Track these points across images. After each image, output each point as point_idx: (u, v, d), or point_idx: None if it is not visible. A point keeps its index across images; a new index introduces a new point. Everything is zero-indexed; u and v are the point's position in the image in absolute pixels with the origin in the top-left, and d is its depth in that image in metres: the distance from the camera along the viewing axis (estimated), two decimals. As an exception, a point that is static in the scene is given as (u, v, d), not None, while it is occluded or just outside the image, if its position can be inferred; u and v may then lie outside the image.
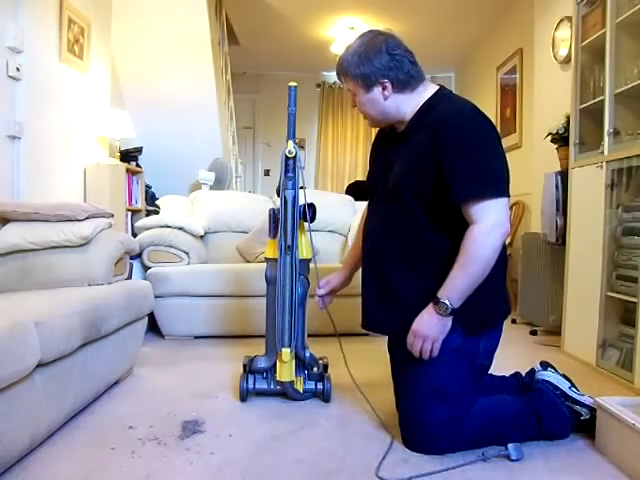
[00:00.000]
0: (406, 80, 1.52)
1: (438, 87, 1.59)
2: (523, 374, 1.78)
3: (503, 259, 1.56)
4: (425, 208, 1.48)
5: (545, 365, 1.73)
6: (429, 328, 1.43)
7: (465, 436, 1.47)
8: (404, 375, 1.57)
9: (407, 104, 1.55)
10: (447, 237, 1.47)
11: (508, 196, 1.44)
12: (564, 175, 2.79)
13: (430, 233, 1.48)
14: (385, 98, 1.53)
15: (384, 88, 1.52)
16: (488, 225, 1.38)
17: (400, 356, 1.58)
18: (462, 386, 1.49)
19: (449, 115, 1.48)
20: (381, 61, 1.49)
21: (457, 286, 1.40)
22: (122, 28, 3.87)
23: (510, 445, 1.44)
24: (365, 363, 2.40)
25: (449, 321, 1.43)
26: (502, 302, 1.60)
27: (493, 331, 1.57)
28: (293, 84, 1.81)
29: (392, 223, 1.55)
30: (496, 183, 1.42)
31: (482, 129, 1.47)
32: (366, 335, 2.95)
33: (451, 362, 1.48)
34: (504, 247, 1.52)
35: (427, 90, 1.57)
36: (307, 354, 1.88)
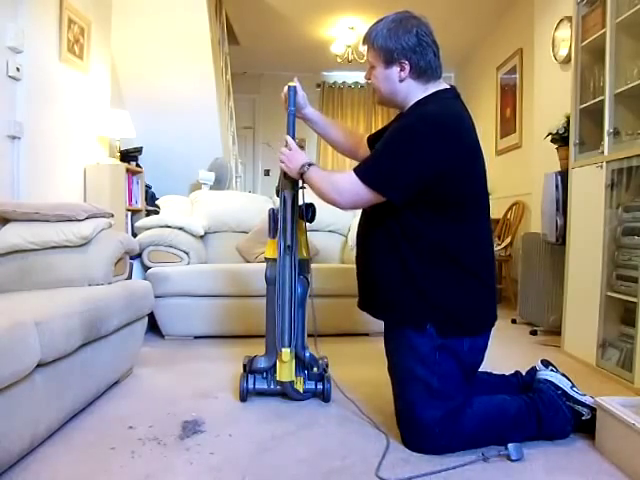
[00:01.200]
0: (425, 69, 1.53)
1: (447, 87, 1.59)
2: (523, 373, 1.79)
3: (482, 270, 1.56)
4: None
5: (546, 364, 1.73)
6: (295, 157, 1.70)
7: (464, 435, 1.48)
8: (396, 375, 1.59)
9: (415, 94, 1.56)
10: (427, 225, 1.50)
11: (376, 188, 1.48)
12: (564, 175, 2.79)
13: (410, 222, 1.51)
14: (401, 80, 1.55)
15: (402, 69, 1.53)
16: (340, 185, 1.56)
17: (392, 357, 1.61)
18: (451, 383, 1.50)
19: (415, 115, 1.52)
20: (408, 41, 1.50)
21: (316, 172, 1.65)
22: (122, 28, 3.87)
23: (510, 445, 1.44)
24: (365, 363, 2.40)
25: (297, 177, 1.71)
26: (479, 313, 1.57)
27: (476, 334, 1.56)
28: (292, 84, 1.81)
29: (378, 211, 1.57)
30: (374, 172, 1.50)
31: (415, 133, 1.46)
32: (366, 335, 2.96)
33: (435, 359, 1.49)
34: (477, 263, 1.54)
35: (436, 88, 1.57)
36: (307, 354, 1.88)
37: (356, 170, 1.52)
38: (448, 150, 1.46)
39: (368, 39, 1.58)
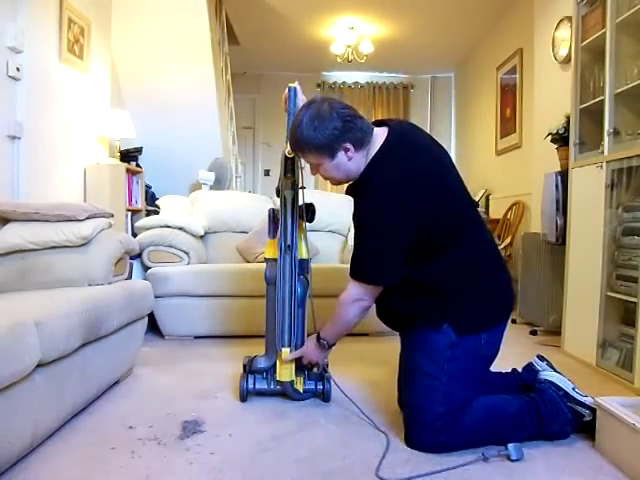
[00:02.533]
0: (362, 137, 1.54)
1: (386, 133, 1.58)
2: (520, 370, 1.80)
3: (491, 268, 1.60)
4: None
5: (542, 358, 1.76)
6: (313, 355, 1.79)
7: (464, 433, 1.48)
8: (406, 369, 1.62)
9: (362, 162, 1.57)
10: (434, 258, 1.54)
11: (375, 283, 1.57)
12: (564, 175, 2.79)
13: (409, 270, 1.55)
14: (349, 159, 1.55)
15: (347, 150, 1.53)
16: (351, 297, 1.60)
17: (404, 349, 1.65)
18: (459, 380, 1.50)
19: (367, 197, 1.54)
20: (336, 126, 1.49)
21: (330, 333, 1.72)
22: (122, 28, 3.87)
23: (510, 445, 1.44)
24: (365, 363, 2.40)
25: (328, 351, 1.79)
26: (495, 305, 1.60)
27: (494, 327, 1.59)
28: (293, 84, 1.81)
29: None
30: (361, 269, 1.57)
31: (379, 209, 1.50)
32: (366, 335, 2.95)
33: (446, 355, 1.51)
34: (490, 255, 1.59)
35: (377, 140, 1.57)
36: (307, 354, 1.88)
37: (352, 275, 1.58)
38: (414, 210, 1.48)
39: (302, 147, 1.55)
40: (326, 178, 1.64)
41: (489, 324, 1.57)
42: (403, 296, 1.57)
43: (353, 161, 1.55)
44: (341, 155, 1.53)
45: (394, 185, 1.49)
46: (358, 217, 1.58)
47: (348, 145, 1.52)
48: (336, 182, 1.66)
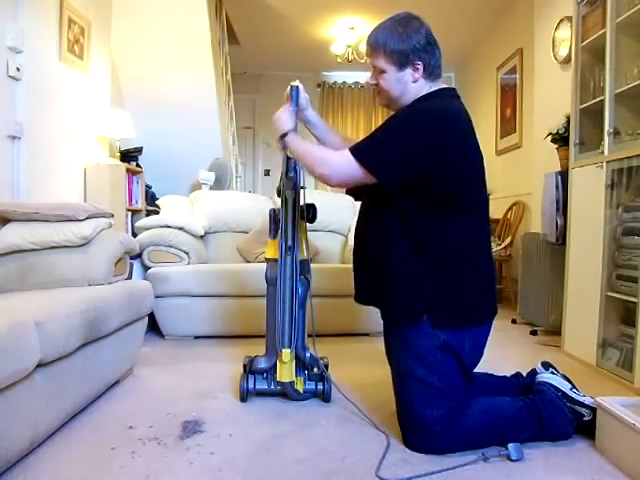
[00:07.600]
0: (435, 67, 1.55)
1: (448, 87, 1.60)
2: (524, 374, 1.79)
3: (479, 263, 1.57)
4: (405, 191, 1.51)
5: (546, 366, 1.73)
6: (281, 119, 1.69)
7: (465, 436, 1.48)
8: (397, 373, 1.59)
9: (421, 92, 1.56)
10: (427, 219, 1.50)
11: (368, 165, 1.47)
12: (564, 175, 2.79)
13: (410, 215, 1.50)
14: (415, 80, 1.54)
15: (416, 69, 1.53)
16: (333, 162, 1.53)
17: (392, 355, 1.62)
18: (452, 382, 1.50)
19: (415, 107, 1.53)
20: (419, 42, 1.51)
21: (303, 146, 1.63)
22: (122, 28, 3.87)
23: (510, 445, 1.44)
24: (365, 363, 2.40)
25: (279, 136, 1.68)
26: (475, 304, 1.55)
27: (476, 329, 1.56)
28: (294, 84, 1.81)
29: (379, 205, 1.57)
30: (369, 152, 1.49)
31: (416, 121, 1.48)
32: (366, 335, 2.96)
33: (436, 359, 1.49)
34: (474, 255, 1.55)
35: (438, 87, 1.58)
36: (307, 354, 1.88)
37: (352, 148, 1.51)
38: (444, 143, 1.45)
39: (376, 44, 1.55)
40: (380, 93, 1.62)
41: (469, 322, 1.53)
42: (398, 256, 1.51)
43: (415, 85, 1.55)
44: (408, 71, 1.53)
45: (442, 114, 1.48)
46: (392, 117, 1.53)
47: (419, 65, 1.52)
48: (386, 101, 1.63)
